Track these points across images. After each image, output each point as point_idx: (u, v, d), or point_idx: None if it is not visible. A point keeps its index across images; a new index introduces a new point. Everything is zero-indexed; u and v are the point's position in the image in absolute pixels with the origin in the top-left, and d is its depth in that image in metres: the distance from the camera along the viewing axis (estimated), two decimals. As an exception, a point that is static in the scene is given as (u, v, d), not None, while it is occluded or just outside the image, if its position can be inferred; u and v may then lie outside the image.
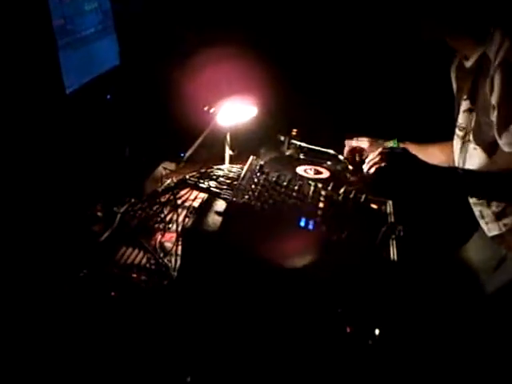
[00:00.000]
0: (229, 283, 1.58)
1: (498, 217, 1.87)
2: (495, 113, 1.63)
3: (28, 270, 1.60)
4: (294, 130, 2.48)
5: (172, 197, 2.06)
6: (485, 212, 1.91)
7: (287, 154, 2.44)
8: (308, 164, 2.26)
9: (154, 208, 2.01)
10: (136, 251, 1.79)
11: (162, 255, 1.77)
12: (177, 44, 2.89)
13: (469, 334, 1.94)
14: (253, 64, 2.82)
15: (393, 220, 1.85)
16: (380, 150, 1.73)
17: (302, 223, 1.69)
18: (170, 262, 1.74)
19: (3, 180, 1.79)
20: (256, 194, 1.80)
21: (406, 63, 3.14)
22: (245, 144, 2.45)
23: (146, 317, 1.52)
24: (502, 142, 1.64)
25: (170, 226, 1.94)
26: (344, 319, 1.49)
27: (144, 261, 1.75)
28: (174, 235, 1.89)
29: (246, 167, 2.02)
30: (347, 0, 3.14)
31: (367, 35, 3.16)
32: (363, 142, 2.28)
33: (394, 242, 1.69)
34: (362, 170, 2.00)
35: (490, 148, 1.75)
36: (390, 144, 2.21)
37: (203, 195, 2.04)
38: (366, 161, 1.76)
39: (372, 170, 1.72)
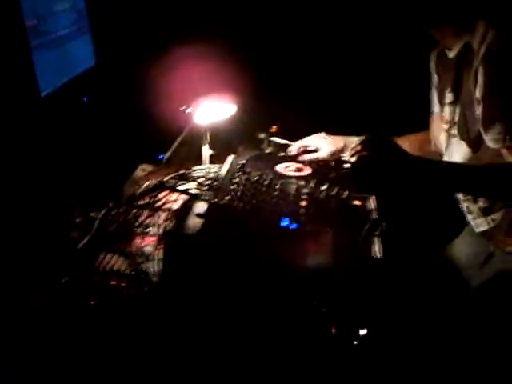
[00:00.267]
0: (212, 286, 1.55)
1: (486, 212, 1.84)
2: (480, 107, 1.59)
3: (6, 279, 1.56)
4: (273, 127, 2.45)
5: (151, 200, 2.02)
6: (472, 207, 1.88)
7: (267, 151, 2.41)
8: (289, 161, 2.23)
9: (133, 212, 1.96)
10: (115, 257, 1.74)
11: (142, 260, 1.73)
12: (152, 43, 2.86)
13: (456, 330, 1.92)
14: (229, 61, 2.81)
15: (376, 216, 1.83)
16: (362, 138, 1.65)
17: (285, 223, 1.67)
18: (151, 267, 1.70)
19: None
20: (238, 194, 1.78)
21: (383, 57, 3.12)
22: (223, 143, 2.41)
23: (126, 325, 1.48)
24: (488, 138, 1.60)
25: (150, 229, 1.90)
26: (329, 319, 1.47)
27: (124, 267, 1.70)
28: (154, 239, 1.84)
29: (226, 167, 1.99)
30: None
31: (343, 29, 3.14)
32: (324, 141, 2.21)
33: (378, 239, 1.67)
34: (341, 164, 1.99)
35: (475, 143, 1.71)
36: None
37: (183, 197, 2.01)
38: (349, 149, 1.70)
39: (354, 159, 1.62)
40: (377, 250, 1.62)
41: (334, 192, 1.93)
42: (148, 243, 1.81)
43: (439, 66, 1.94)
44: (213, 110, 2.22)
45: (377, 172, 1.60)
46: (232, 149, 2.37)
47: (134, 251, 1.76)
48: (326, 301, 1.50)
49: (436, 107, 2.04)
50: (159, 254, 1.73)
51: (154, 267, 1.68)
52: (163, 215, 1.94)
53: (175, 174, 2.14)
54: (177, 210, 1.95)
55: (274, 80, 3.15)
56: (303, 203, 1.83)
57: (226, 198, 1.74)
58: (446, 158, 1.88)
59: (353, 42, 3.18)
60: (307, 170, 2.17)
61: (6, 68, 1.85)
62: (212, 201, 1.72)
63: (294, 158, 2.18)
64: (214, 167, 2.18)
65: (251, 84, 2.86)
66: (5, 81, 1.84)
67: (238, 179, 1.89)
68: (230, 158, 2.06)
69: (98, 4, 2.36)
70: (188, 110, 2.15)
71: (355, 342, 1.42)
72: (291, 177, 2.05)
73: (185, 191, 2.01)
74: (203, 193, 1.94)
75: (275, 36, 3.21)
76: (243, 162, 2.01)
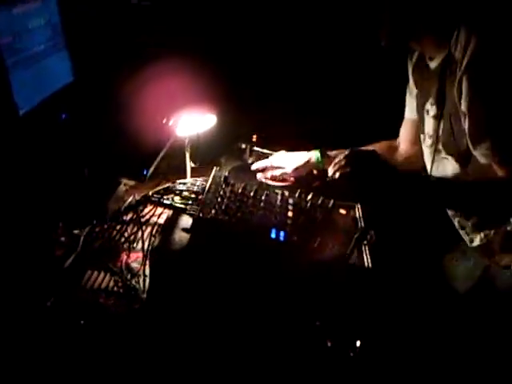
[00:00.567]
0: (201, 302, 1.53)
1: (478, 228, 1.82)
2: (467, 121, 1.54)
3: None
4: (254, 136, 2.44)
5: (135, 215, 1.99)
6: (463, 223, 1.87)
7: (249, 161, 2.40)
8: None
9: (117, 228, 1.94)
10: (102, 274, 1.72)
11: (129, 277, 1.71)
12: (129, 57, 2.84)
13: (451, 341, 1.91)
14: (207, 73, 2.80)
15: (363, 224, 1.83)
16: (346, 152, 1.63)
17: (273, 235, 1.66)
18: (138, 283, 1.68)
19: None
20: (223, 207, 1.76)
21: (360, 65, 3.14)
22: (205, 155, 2.40)
23: (118, 344, 1.46)
24: (477, 153, 1.56)
25: (135, 245, 1.87)
26: (323, 333, 1.46)
27: (111, 284, 1.68)
28: (140, 255, 1.82)
29: (210, 180, 1.98)
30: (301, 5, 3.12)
31: (321, 39, 3.15)
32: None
33: (367, 248, 1.67)
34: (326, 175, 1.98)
35: (463, 158, 1.67)
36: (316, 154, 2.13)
37: (168, 211, 1.99)
38: (332, 165, 1.69)
39: (337, 175, 1.61)
40: (366, 259, 1.61)
41: (319, 201, 1.93)
42: (134, 259, 1.80)
43: (417, 74, 1.90)
44: (193, 121, 2.20)
45: (361, 187, 1.60)
46: (214, 160, 2.36)
47: (121, 268, 1.74)
48: (319, 313, 1.50)
49: (409, 113, 2.04)
50: (146, 270, 1.71)
51: (141, 284, 1.67)
52: (148, 230, 1.92)
53: (159, 188, 2.12)
54: (162, 224, 1.93)
55: (252, 89, 3.14)
56: (289, 214, 1.82)
57: (212, 211, 1.72)
58: (434, 174, 1.82)
59: (328, 52, 3.19)
60: (291, 179, 2.17)
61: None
62: (197, 215, 1.70)
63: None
64: (198, 180, 2.16)
65: (229, 94, 2.85)
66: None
67: (222, 192, 1.87)
68: (214, 171, 2.04)
69: (73, 19, 2.33)
70: (169, 123, 2.14)
71: (351, 354, 1.42)
72: (276, 186, 2.05)
73: (170, 205, 2.00)
74: (188, 207, 1.92)
75: (252, 46, 3.21)
76: (226, 174, 1.99)
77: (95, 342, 1.46)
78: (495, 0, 1.62)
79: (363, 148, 1.73)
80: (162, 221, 1.97)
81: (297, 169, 2.14)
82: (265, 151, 2.40)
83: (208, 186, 1.92)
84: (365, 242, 1.69)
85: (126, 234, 1.91)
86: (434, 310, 1.95)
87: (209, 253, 1.60)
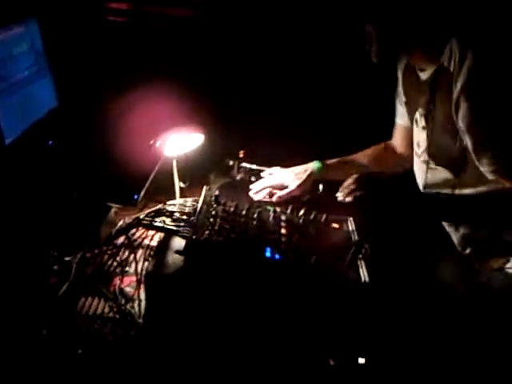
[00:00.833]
0: (199, 325, 1.52)
1: (469, 238, 1.84)
2: (469, 140, 1.55)
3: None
4: (242, 152, 2.43)
5: (127, 239, 1.97)
6: (454, 235, 1.89)
7: (238, 178, 2.39)
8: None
9: (109, 252, 1.92)
10: (96, 300, 1.70)
11: (123, 302, 1.69)
12: (113, 80, 2.84)
13: (455, 353, 1.91)
14: (191, 93, 2.82)
15: (357, 238, 1.83)
16: (355, 176, 1.66)
17: (268, 254, 1.65)
18: (133, 308, 1.66)
19: None
20: (216, 227, 1.75)
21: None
22: (194, 174, 2.39)
23: (117, 373, 1.44)
24: (485, 170, 1.56)
25: (128, 269, 1.85)
26: (325, 352, 1.45)
27: (106, 310, 1.66)
28: (133, 278, 1.80)
29: (201, 200, 1.96)
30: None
31: (306, 52, 3.17)
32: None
33: (363, 263, 1.66)
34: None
35: (455, 167, 1.68)
36: (315, 166, 2.12)
37: (160, 233, 1.98)
38: (341, 188, 1.68)
39: (349, 199, 1.63)
40: (363, 274, 1.61)
41: (311, 216, 1.92)
42: (128, 283, 1.78)
43: (407, 83, 1.91)
44: (181, 141, 2.19)
45: (374, 210, 1.62)
46: (204, 180, 2.35)
47: (115, 293, 1.72)
48: (320, 332, 1.49)
49: (400, 119, 2.05)
50: (141, 294, 1.70)
51: (137, 309, 1.65)
52: (141, 253, 1.90)
53: (150, 210, 2.10)
54: (154, 247, 1.92)
55: (237, 106, 3.15)
56: (283, 231, 1.82)
57: (205, 233, 1.71)
58: (428, 183, 1.85)
59: (313, 65, 3.20)
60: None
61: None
62: (191, 237, 1.69)
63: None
64: (189, 200, 2.15)
65: (215, 113, 2.85)
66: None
67: (214, 212, 1.86)
68: (204, 190, 2.03)
69: (56, 43, 2.32)
70: (157, 144, 2.12)
71: (354, 373, 1.41)
72: (267, 203, 2.03)
73: (161, 228, 1.98)
74: (181, 229, 1.91)
75: (237, 64, 3.22)
76: (217, 193, 1.98)
77: (93, 371, 1.44)
78: (485, 13, 1.62)
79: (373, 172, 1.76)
80: (154, 243, 1.95)
81: (300, 185, 2.07)
82: (253, 167, 2.39)
83: (199, 206, 1.91)
84: (360, 256, 1.68)
85: (118, 259, 1.89)
86: (433, 320, 1.95)
87: (204, 275, 1.59)
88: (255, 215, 1.87)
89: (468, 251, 1.87)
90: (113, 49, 3.02)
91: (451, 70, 1.55)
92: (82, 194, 2.05)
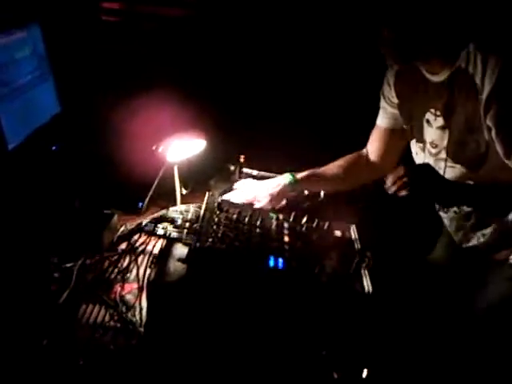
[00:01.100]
0: (201, 334, 1.51)
1: (477, 228, 1.88)
2: (494, 134, 1.60)
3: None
4: (242, 157, 2.42)
5: (129, 245, 1.96)
6: (463, 223, 1.91)
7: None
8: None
9: (110, 259, 1.90)
10: (97, 308, 1.68)
11: (124, 309, 1.67)
12: (115, 85, 2.85)
13: (461, 361, 1.90)
14: (193, 100, 2.86)
15: (359, 246, 1.81)
16: (404, 168, 1.67)
17: (271, 262, 1.64)
18: (135, 316, 1.65)
19: None
20: (219, 235, 1.74)
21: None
22: (195, 180, 2.38)
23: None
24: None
25: (128, 276, 1.83)
26: (329, 364, 1.43)
27: (107, 318, 1.64)
28: (134, 286, 1.78)
29: (203, 206, 1.95)
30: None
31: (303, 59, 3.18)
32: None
33: (366, 272, 1.65)
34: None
35: (475, 165, 1.72)
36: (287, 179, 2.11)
37: (162, 240, 1.96)
38: (391, 180, 1.67)
39: (404, 193, 1.65)
40: (367, 284, 1.59)
41: (314, 224, 1.91)
42: (128, 291, 1.76)
43: (405, 86, 1.91)
44: (183, 147, 2.18)
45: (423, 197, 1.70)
46: (206, 185, 2.33)
47: (115, 300, 1.71)
48: (324, 343, 1.47)
49: (383, 121, 2.05)
50: (142, 302, 1.68)
51: (138, 317, 1.63)
52: (143, 260, 1.89)
53: (152, 216, 2.09)
54: (156, 254, 1.90)
55: (239, 111, 3.16)
56: (286, 238, 1.81)
57: (209, 240, 1.70)
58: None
59: (309, 71, 3.21)
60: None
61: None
62: (195, 245, 1.67)
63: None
64: (191, 207, 2.13)
65: (216, 118, 2.85)
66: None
67: (217, 219, 1.85)
68: (207, 197, 2.01)
69: (58, 48, 2.31)
70: (160, 149, 2.11)
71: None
72: (269, 210, 2.02)
73: (165, 236, 1.97)
74: (184, 236, 1.90)
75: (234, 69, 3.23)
76: (220, 199, 1.97)
77: (95, 382, 1.42)
78: (501, 15, 1.68)
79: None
80: (155, 250, 1.94)
81: (271, 200, 2.07)
82: (254, 172, 2.38)
83: (202, 213, 1.90)
84: (363, 265, 1.67)
85: (118, 265, 1.88)
86: (437, 328, 1.95)
87: (207, 283, 1.58)
88: (258, 222, 1.86)
89: (472, 243, 1.91)
90: (107, 47, 3.03)
91: (470, 71, 1.60)
92: (84, 200, 2.04)
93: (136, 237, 2.01)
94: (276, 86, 3.28)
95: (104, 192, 2.13)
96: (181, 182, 2.21)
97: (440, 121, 1.77)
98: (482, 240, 1.87)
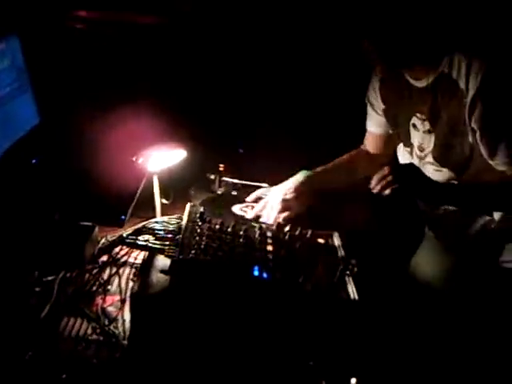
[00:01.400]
0: (186, 346, 1.49)
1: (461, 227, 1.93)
2: (479, 136, 1.64)
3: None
4: (221, 166, 2.41)
5: (110, 258, 1.94)
6: (447, 223, 1.97)
7: (219, 192, 2.37)
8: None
9: (91, 271, 1.87)
10: (79, 321, 1.65)
11: (106, 322, 1.65)
12: (93, 98, 2.83)
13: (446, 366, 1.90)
14: (168, 110, 2.87)
15: (343, 253, 1.81)
16: (388, 167, 1.68)
17: (256, 272, 1.63)
18: (117, 328, 1.63)
19: None
20: (202, 246, 1.72)
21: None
22: (176, 189, 2.36)
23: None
24: (495, 163, 1.66)
25: (110, 288, 1.81)
26: (317, 373, 1.42)
27: (90, 331, 1.62)
28: (116, 298, 1.76)
29: (185, 217, 1.94)
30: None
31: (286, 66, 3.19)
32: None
33: (351, 279, 1.65)
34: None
35: (460, 168, 1.77)
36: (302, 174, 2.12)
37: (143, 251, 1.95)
38: (376, 180, 1.69)
39: (388, 192, 1.66)
40: (352, 291, 1.59)
41: (297, 232, 1.91)
42: (110, 303, 1.74)
43: (389, 91, 1.95)
44: (163, 157, 2.18)
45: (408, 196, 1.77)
46: (186, 195, 2.32)
47: (97, 313, 1.69)
48: (311, 352, 1.46)
49: (374, 127, 2.07)
50: (124, 314, 1.66)
51: (120, 329, 1.61)
52: (123, 272, 1.87)
53: (133, 228, 2.07)
54: (138, 266, 1.89)
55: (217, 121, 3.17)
56: (269, 248, 1.80)
57: (192, 252, 1.68)
58: None
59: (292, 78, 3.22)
60: None
61: None
62: (177, 257, 1.66)
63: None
64: (173, 218, 2.12)
65: (195, 129, 2.85)
66: None
67: (199, 230, 1.83)
68: (188, 207, 2.00)
69: (37, 60, 2.30)
70: (140, 160, 2.10)
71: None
72: (252, 220, 2.02)
73: (147, 247, 1.95)
74: (166, 248, 1.88)
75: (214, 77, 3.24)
76: (202, 210, 1.95)
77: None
78: (481, 20, 1.71)
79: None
80: (137, 262, 1.92)
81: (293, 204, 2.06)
82: (234, 181, 2.38)
83: (184, 224, 1.88)
84: (348, 273, 1.66)
85: (100, 278, 1.85)
86: (426, 335, 1.95)
87: (191, 295, 1.56)
88: (241, 232, 1.85)
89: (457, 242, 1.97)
90: (83, 58, 3.02)
91: (454, 76, 1.64)
92: (64, 213, 2.02)
93: (117, 249, 1.98)
94: (255, 95, 3.28)
95: (84, 205, 2.11)
96: (162, 192, 2.20)
97: (426, 125, 1.81)
98: (468, 239, 1.91)
